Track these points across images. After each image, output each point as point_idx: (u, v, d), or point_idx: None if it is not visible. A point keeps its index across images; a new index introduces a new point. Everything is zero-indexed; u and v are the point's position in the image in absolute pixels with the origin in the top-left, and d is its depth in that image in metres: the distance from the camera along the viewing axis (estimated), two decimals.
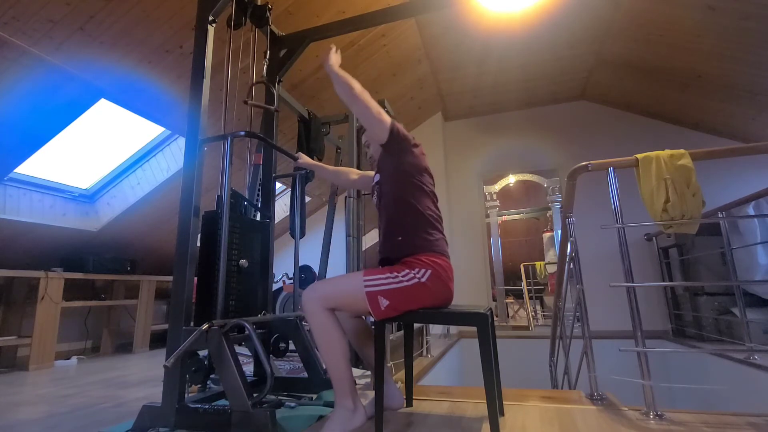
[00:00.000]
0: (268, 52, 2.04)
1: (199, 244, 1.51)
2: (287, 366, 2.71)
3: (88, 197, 3.45)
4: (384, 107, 2.35)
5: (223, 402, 1.56)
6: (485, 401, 1.21)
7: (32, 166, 2.97)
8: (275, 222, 1.94)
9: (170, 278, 3.30)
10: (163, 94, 2.90)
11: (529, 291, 6.22)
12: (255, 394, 1.30)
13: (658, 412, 1.43)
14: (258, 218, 1.94)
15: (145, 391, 2.14)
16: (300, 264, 2.01)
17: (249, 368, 1.98)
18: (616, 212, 1.66)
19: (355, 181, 1.78)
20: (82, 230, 3.31)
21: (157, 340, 3.97)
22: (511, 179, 6.45)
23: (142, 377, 2.52)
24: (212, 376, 1.48)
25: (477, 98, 4.95)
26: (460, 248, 5.04)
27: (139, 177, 3.48)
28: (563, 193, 5.14)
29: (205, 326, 1.33)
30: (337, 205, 3.07)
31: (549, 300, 6.80)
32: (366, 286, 1.31)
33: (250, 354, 2.34)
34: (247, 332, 1.49)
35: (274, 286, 3.36)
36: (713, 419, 1.40)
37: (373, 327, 1.42)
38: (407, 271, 1.31)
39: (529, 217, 8.34)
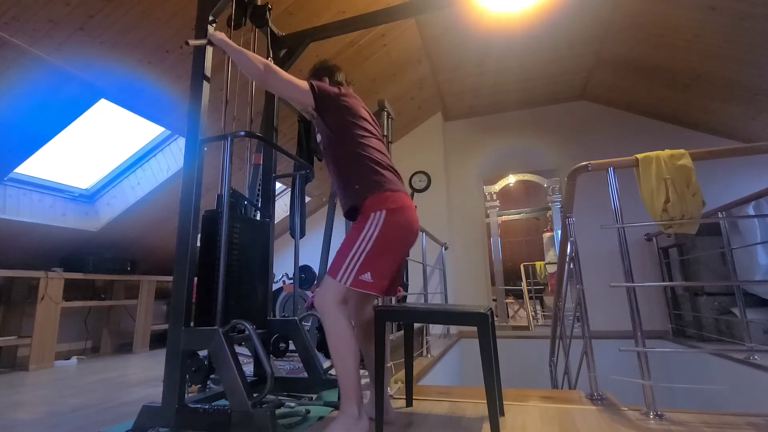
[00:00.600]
0: (269, 52, 2.04)
1: (199, 244, 1.51)
2: (287, 366, 2.71)
3: (88, 197, 3.45)
4: (384, 107, 2.35)
5: (223, 402, 1.56)
6: (485, 401, 1.21)
7: (32, 166, 2.98)
8: (275, 222, 1.94)
9: (170, 278, 3.30)
10: (163, 94, 2.90)
11: (529, 291, 6.22)
12: (255, 394, 1.30)
13: (658, 412, 1.43)
14: (258, 218, 1.95)
15: (145, 391, 2.14)
16: (300, 264, 2.01)
17: (249, 368, 1.97)
18: (616, 212, 1.67)
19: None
20: (82, 230, 3.31)
21: (157, 340, 3.97)
22: (511, 179, 6.46)
23: (142, 377, 2.52)
24: (212, 376, 1.48)
25: (477, 98, 4.95)
26: (460, 248, 5.04)
27: (139, 177, 3.48)
28: (563, 193, 5.14)
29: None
30: (337, 205, 3.07)
31: (549, 300, 6.80)
32: (344, 282, 1.29)
33: (250, 354, 2.34)
34: (247, 332, 1.49)
35: (274, 286, 3.36)
36: (713, 419, 1.40)
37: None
38: (366, 225, 1.31)
39: (529, 217, 8.35)
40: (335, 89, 1.48)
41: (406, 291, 4.05)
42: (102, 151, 3.42)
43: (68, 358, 3.15)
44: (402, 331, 2.01)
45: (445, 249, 4.66)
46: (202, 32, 1.64)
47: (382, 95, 4.09)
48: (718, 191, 3.38)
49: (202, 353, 1.46)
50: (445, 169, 5.14)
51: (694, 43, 3.26)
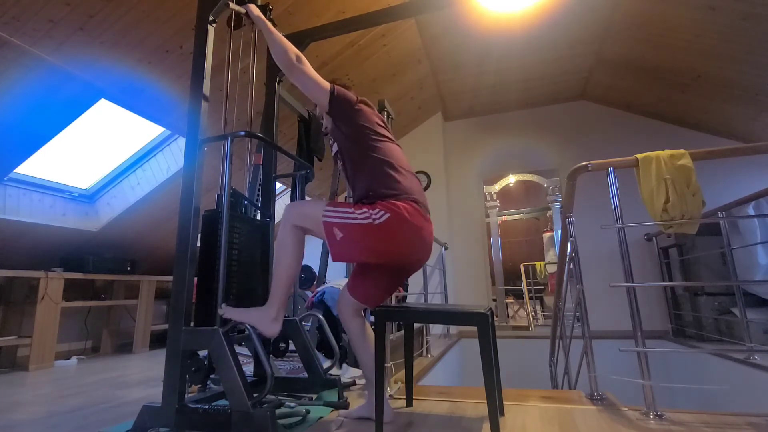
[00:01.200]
0: (269, 51, 2.04)
1: (199, 243, 1.51)
2: (287, 366, 2.71)
3: (88, 197, 3.45)
4: (384, 108, 2.35)
5: (223, 402, 1.56)
6: (485, 401, 1.21)
7: (32, 166, 2.98)
8: (275, 222, 1.94)
9: (170, 278, 3.30)
10: (163, 94, 2.90)
11: (529, 291, 6.22)
12: (255, 394, 1.30)
13: (658, 412, 1.43)
14: (258, 218, 1.94)
15: (145, 391, 2.14)
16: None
17: (249, 368, 1.97)
18: (616, 212, 1.67)
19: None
20: (82, 230, 3.31)
21: (157, 340, 3.97)
22: (511, 179, 6.45)
23: (142, 377, 2.52)
24: (212, 376, 1.48)
25: (477, 98, 4.95)
26: (460, 248, 5.04)
27: (139, 177, 3.48)
28: (563, 193, 5.14)
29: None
30: None
31: (549, 300, 6.80)
32: (324, 216, 1.33)
33: (250, 354, 2.34)
34: (247, 332, 1.49)
35: None
36: (713, 419, 1.40)
37: (373, 327, 1.42)
38: (366, 209, 1.30)
39: (529, 217, 8.35)
40: (355, 97, 1.48)
41: (406, 291, 4.06)
42: (102, 151, 3.43)
43: (68, 358, 3.15)
44: (402, 331, 2.01)
45: (445, 249, 4.66)
46: (202, 32, 1.64)
47: (382, 95, 4.09)
48: (718, 191, 3.37)
49: (202, 353, 1.46)
50: (445, 169, 5.14)
51: (694, 43, 3.26)
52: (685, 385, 3.48)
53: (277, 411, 1.43)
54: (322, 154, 2.56)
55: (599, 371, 1.73)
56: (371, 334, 1.48)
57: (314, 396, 1.72)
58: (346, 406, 1.60)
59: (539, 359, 4.09)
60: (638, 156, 1.69)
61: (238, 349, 1.45)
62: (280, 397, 1.69)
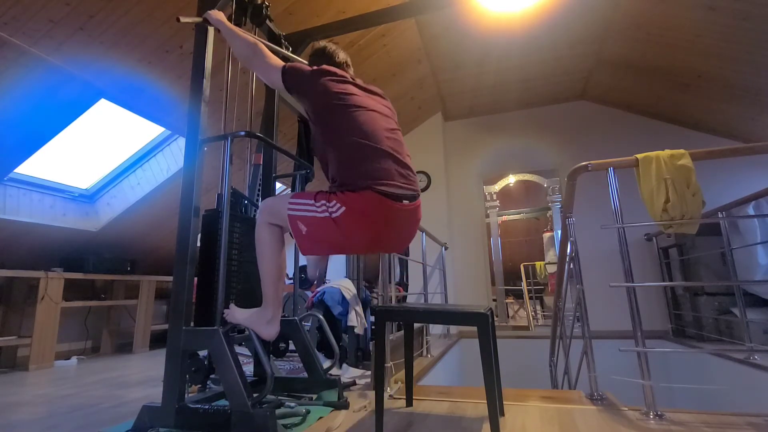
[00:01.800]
0: None
1: (199, 243, 1.51)
2: (287, 366, 2.71)
3: (88, 197, 3.45)
4: None
5: (223, 402, 1.56)
6: (485, 401, 1.21)
7: (32, 166, 2.98)
8: None
9: (170, 278, 3.30)
10: (163, 94, 2.89)
11: (529, 291, 6.22)
12: (255, 394, 1.30)
13: (658, 412, 1.43)
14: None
15: (145, 391, 2.14)
16: (300, 264, 2.01)
17: (249, 368, 1.98)
18: (616, 212, 1.67)
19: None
20: (82, 230, 3.31)
21: (157, 340, 3.97)
22: (511, 179, 6.45)
23: (142, 377, 2.52)
24: (212, 376, 1.48)
25: (477, 98, 4.95)
26: (460, 248, 5.04)
27: (139, 177, 3.48)
28: (563, 193, 5.14)
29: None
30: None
31: (549, 300, 6.80)
32: (288, 209, 1.29)
33: (250, 354, 2.34)
34: (247, 332, 1.49)
35: None
36: (713, 419, 1.40)
37: (373, 328, 1.42)
38: (323, 201, 1.22)
39: (529, 217, 8.34)
40: (309, 68, 1.37)
41: (406, 291, 4.06)
42: (102, 151, 3.43)
43: (68, 358, 3.15)
44: (402, 331, 2.01)
45: (445, 249, 4.66)
46: (202, 32, 1.64)
47: None
48: (718, 191, 3.37)
49: (202, 353, 1.46)
50: (445, 169, 5.14)
51: (694, 43, 3.26)
52: (685, 385, 3.48)
53: (277, 411, 1.43)
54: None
55: (599, 371, 1.73)
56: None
57: (314, 396, 1.72)
58: (346, 406, 1.60)
59: (539, 359, 4.09)
60: (638, 156, 1.69)
61: (238, 349, 1.45)
62: (280, 397, 1.69)
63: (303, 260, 1.94)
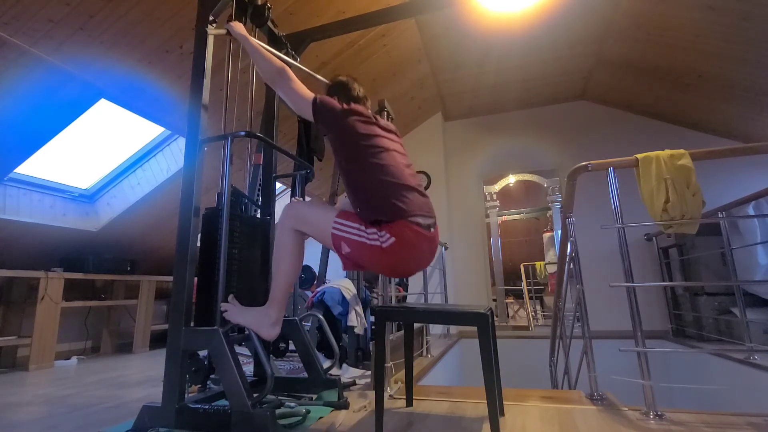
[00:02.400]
0: None
1: (199, 243, 1.51)
2: (287, 366, 2.71)
3: (88, 197, 3.45)
4: (383, 107, 2.35)
5: (223, 402, 1.56)
6: (485, 401, 1.21)
7: (32, 166, 2.98)
8: (275, 221, 1.94)
9: (170, 278, 3.30)
10: (163, 94, 2.89)
11: (529, 291, 6.22)
12: (255, 394, 1.30)
13: (658, 412, 1.43)
14: (258, 215, 1.94)
15: (145, 391, 2.14)
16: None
17: (249, 368, 1.98)
18: (616, 212, 1.67)
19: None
20: (82, 230, 3.31)
21: (157, 340, 3.97)
22: (511, 179, 6.45)
23: (142, 377, 2.52)
24: (212, 376, 1.48)
25: (477, 98, 4.95)
26: (460, 248, 5.04)
27: (139, 177, 3.48)
28: (563, 193, 5.14)
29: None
30: (336, 205, 3.07)
31: (549, 300, 6.80)
32: (334, 228, 1.35)
33: (250, 354, 2.34)
34: (247, 332, 1.49)
35: None
36: (713, 419, 1.40)
37: (373, 328, 1.42)
38: (375, 230, 1.30)
39: (529, 217, 8.35)
40: (340, 106, 1.43)
41: (406, 291, 4.05)
42: (102, 151, 3.43)
43: (68, 358, 3.15)
44: (402, 331, 2.01)
45: (445, 249, 4.66)
46: (202, 32, 1.64)
47: (382, 95, 4.09)
48: (718, 191, 3.37)
49: (202, 353, 1.46)
50: (445, 169, 5.14)
51: (694, 43, 3.26)
52: (685, 385, 3.48)
53: (277, 411, 1.43)
54: (323, 154, 2.55)
55: (599, 371, 1.73)
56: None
57: (314, 396, 1.72)
58: (346, 406, 1.60)
59: (539, 359, 4.09)
60: (638, 156, 1.69)
61: (238, 349, 1.45)
62: (280, 397, 1.69)
63: (303, 260, 1.94)
